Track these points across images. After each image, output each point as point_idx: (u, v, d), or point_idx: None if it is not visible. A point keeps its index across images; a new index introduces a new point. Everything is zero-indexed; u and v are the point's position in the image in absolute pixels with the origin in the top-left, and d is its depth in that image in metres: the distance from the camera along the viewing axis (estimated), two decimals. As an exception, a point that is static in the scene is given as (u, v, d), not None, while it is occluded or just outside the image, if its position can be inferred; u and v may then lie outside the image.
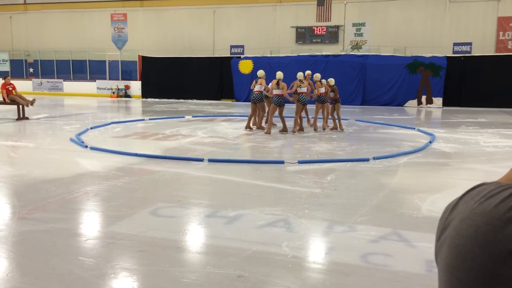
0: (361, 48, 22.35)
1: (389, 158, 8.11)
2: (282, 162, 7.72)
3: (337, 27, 22.62)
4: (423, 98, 19.51)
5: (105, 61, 26.06)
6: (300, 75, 11.31)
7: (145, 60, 23.60)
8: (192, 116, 14.98)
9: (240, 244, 4.15)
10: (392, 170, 7.26)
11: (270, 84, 11.36)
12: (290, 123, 11.62)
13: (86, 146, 9.02)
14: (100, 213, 5.17)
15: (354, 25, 22.47)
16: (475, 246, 0.50)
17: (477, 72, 18.84)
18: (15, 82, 15.44)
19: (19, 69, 27.82)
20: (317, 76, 11.81)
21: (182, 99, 22.54)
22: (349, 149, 9.30)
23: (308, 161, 7.89)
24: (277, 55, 21.85)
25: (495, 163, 7.92)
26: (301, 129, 11.30)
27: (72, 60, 26.68)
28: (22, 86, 25.38)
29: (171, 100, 22.40)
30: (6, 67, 27.76)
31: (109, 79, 25.59)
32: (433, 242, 0.62)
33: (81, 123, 13.11)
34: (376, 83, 19.83)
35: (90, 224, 4.80)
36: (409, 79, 19.51)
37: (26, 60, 27.87)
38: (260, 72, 11.71)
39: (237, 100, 21.64)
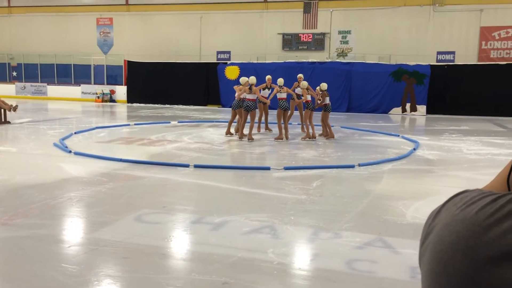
0: (346, 55, 22.56)
1: (374, 165, 8.18)
2: (268, 168, 7.73)
3: (323, 34, 22.81)
4: (408, 105, 19.75)
5: (90, 65, 25.85)
6: (280, 81, 11.35)
7: (130, 65, 23.47)
8: (178, 122, 14.92)
9: (225, 250, 4.13)
10: (377, 177, 7.32)
11: (239, 87, 11.36)
12: (276, 129, 11.64)
13: (70, 151, 8.91)
14: (83, 219, 5.10)
15: (340, 32, 22.68)
16: (456, 252, 0.51)
17: (460, 80, 19.15)
18: (-2, 86, 15.20)
19: (2, 72, 27.42)
20: (304, 84, 11.74)
21: (168, 104, 22.44)
22: (335, 156, 9.35)
23: (294, 167, 7.91)
24: (264, 61, 21.92)
25: (477, 170, 8.04)
26: (280, 137, 11.04)
27: (56, 64, 26.40)
28: (5, 90, 25.04)
29: (157, 105, 22.29)
30: (-11, 71, 27.36)
31: (94, 83, 25.37)
32: (417, 249, 0.62)
33: (65, 127, 12.96)
34: (361, 90, 20.01)
35: (73, 230, 4.73)
36: (393, 86, 19.73)
37: (9, 64, 27.49)
38: (242, 79, 11.77)
39: (224, 106, 21.62)
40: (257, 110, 11.39)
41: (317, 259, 4.07)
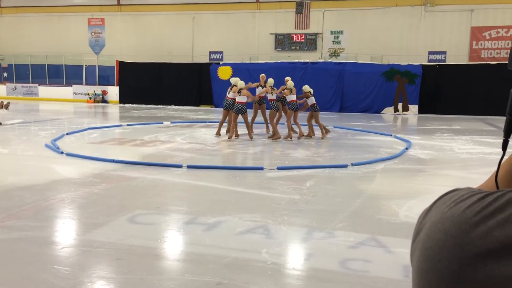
0: (339, 55, 22.63)
1: (367, 165, 8.21)
2: (261, 168, 7.73)
3: (316, 34, 22.86)
4: (400, 105, 19.85)
5: (81, 66, 25.72)
6: (270, 81, 11.39)
7: (123, 65, 23.37)
8: (171, 122, 14.88)
9: (219, 251, 4.12)
10: (369, 176, 7.35)
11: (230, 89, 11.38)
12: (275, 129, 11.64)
13: (62, 152, 8.86)
14: (76, 220, 5.07)
15: (332, 33, 22.75)
16: (443, 249, 0.52)
17: (451, 80, 19.28)
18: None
19: (-8, 73, 27.21)
20: (290, 84, 11.50)
21: (160, 105, 22.38)
22: (328, 156, 9.38)
23: (287, 167, 7.92)
24: (256, 61, 21.93)
25: (469, 169, 8.10)
26: (278, 137, 11.21)
27: (48, 65, 26.23)
28: (-4, 90, 24.86)
29: (149, 106, 22.22)
30: (-21, 71, 27.14)
31: (86, 84, 25.24)
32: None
33: (57, 128, 12.87)
34: (354, 90, 20.09)
35: (66, 232, 4.70)
36: (385, 86, 19.82)
37: (0, 64, 27.27)
38: (238, 81, 11.77)
39: (216, 106, 21.59)
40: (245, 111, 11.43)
41: (311, 258, 4.08)
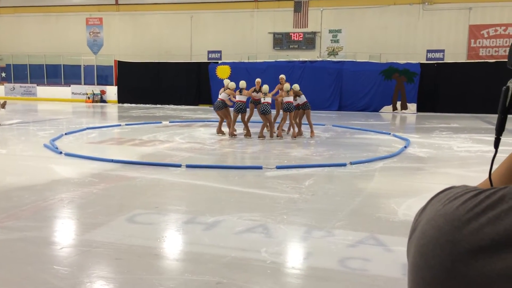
0: (337, 54, 22.63)
1: (366, 163, 8.21)
2: (260, 168, 7.73)
3: (314, 33, 22.86)
4: (398, 103, 19.86)
5: (80, 65, 25.69)
6: (265, 88, 11.41)
7: (121, 65, 23.34)
8: (169, 122, 14.87)
9: (218, 250, 4.12)
10: (368, 175, 7.35)
11: (228, 91, 11.54)
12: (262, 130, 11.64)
13: (61, 152, 8.85)
14: (75, 220, 5.07)
15: (330, 31, 22.75)
16: (436, 245, 0.53)
17: (450, 78, 19.29)
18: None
19: (-10, 73, 27.16)
20: (287, 86, 11.40)
21: (159, 104, 22.36)
22: (327, 154, 9.38)
23: (286, 166, 7.92)
24: (255, 60, 21.92)
25: (467, 168, 8.11)
26: (275, 134, 11.31)
27: (46, 65, 26.19)
28: (-6, 91, 24.82)
29: (147, 105, 22.20)
30: (-23, 72, 27.09)
31: (84, 84, 25.21)
32: None
33: (55, 128, 12.86)
34: (352, 89, 20.09)
35: (65, 232, 4.70)
36: (384, 85, 19.83)
37: (-2, 65, 27.24)
38: (228, 82, 12.02)
39: (215, 106, 21.60)
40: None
41: (310, 257, 4.08)
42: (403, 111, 19.72)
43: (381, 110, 19.94)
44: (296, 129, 11.53)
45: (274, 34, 23.30)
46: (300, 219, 5.07)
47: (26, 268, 3.70)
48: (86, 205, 5.49)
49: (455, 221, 0.53)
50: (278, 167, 7.73)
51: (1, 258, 3.91)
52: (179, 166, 7.77)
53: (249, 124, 11.63)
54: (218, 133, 11.84)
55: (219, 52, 23.91)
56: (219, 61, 22.45)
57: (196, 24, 24.36)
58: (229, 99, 11.53)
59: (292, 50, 23.08)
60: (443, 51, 21.49)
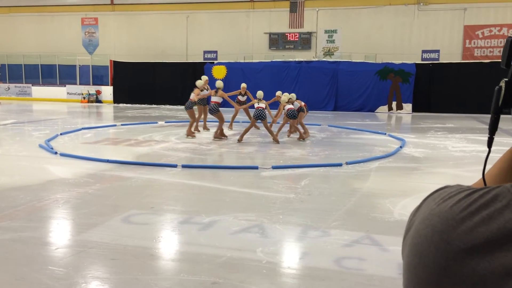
0: (333, 54, 22.66)
1: (361, 163, 8.23)
2: (256, 168, 7.73)
3: (310, 33, 22.88)
4: (394, 104, 19.91)
5: (75, 65, 25.59)
6: (259, 94, 11.14)
7: (116, 65, 23.28)
8: (165, 122, 14.84)
9: (214, 250, 4.12)
10: (364, 175, 7.37)
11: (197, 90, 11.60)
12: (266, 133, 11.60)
13: (56, 153, 8.81)
14: (70, 221, 5.05)
15: (326, 32, 22.77)
16: (430, 244, 0.53)
17: (445, 78, 19.36)
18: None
19: (-15, 73, 27.02)
20: (284, 99, 11.19)
21: (154, 104, 22.31)
22: (322, 154, 9.39)
23: (282, 166, 7.93)
24: (251, 60, 21.92)
25: (462, 167, 8.14)
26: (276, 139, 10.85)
27: (41, 65, 26.06)
28: (-12, 91, 24.68)
29: (143, 105, 22.15)
30: (-28, 72, 26.94)
31: (80, 84, 25.12)
32: None
33: (51, 129, 12.81)
34: (348, 89, 20.13)
35: (60, 233, 4.68)
36: (379, 85, 19.87)
37: (-8, 65, 27.10)
38: (199, 82, 12.01)
39: (211, 106, 21.58)
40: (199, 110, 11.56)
41: (306, 257, 4.09)
42: (399, 111, 19.77)
43: (376, 110, 19.99)
44: (302, 130, 11.28)
45: (270, 34, 23.31)
46: (296, 219, 5.08)
47: (21, 268, 3.68)
48: (81, 205, 5.48)
49: (449, 220, 0.53)
50: (274, 167, 7.74)
51: (-5, 258, 3.89)
52: (175, 166, 7.76)
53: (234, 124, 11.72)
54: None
55: (215, 52, 23.89)
56: (215, 61, 22.43)
57: (192, 24, 24.32)
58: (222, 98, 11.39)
59: (288, 50, 23.09)
60: (438, 51, 21.56)
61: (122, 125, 13.98)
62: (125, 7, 25.24)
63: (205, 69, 21.64)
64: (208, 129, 12.59)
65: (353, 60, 20.82)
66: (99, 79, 25.18)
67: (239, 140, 10.67)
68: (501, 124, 0.75)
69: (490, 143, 0.73)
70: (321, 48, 22.89)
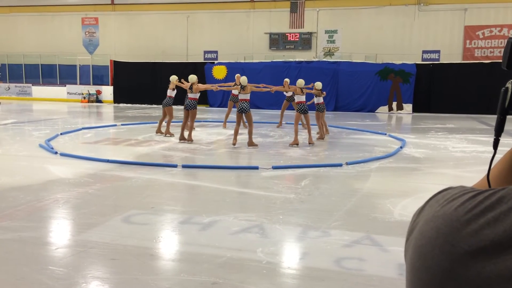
0: (333, 54, 22.66)
1: (362, 163, 8.23)
2: (256, 168, 7.73)
3: (310, 33, 22.87)
4: (394, 104, 19.90)
5: (75, 65, 25.59)
6: (243, 80, 10.30)
7: (117, 64, 23.27)
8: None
9: (214, 250, 4.12)
10: (364, 175, 7.37)
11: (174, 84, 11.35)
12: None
13: (56, 152, 8.81)
14: (70, 221, 5.05)
15: (326, 32, 22.77)
16: (435, 246, 0.53)
17: (445, 79, 19.35)
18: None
19: (-15, 73, 27.02)
20: (301, 81, 10.56)
21: (155, 104, 22.30)
22: (322, 155, 9.39)
23: (282, 166, 7.93)
24: (251, 61, 21.92)
25: (463, 168, 8.14)
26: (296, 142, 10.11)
27: (41, 65, 26.06)
28: (-11, 90, 24.69)
29: (143, 105, 22.15)
30: (-28, 71, 26.94)
31: (80, 84, 25.11)
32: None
33: (51, 128, 12.81)
34: (348, 89, 20.12)
35: (60, 233, 4.68)
36: (380, 85, 19.87)
37: (-7, 64, 27.11)
38: (173, 77, 11.87)
39: (211, 106, 21.58)
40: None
41: (306, 257, 4.09)
42: (399, 111, 19.77)
43: (377, 111, 19.98)
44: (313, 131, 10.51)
45: (270, 34, 23.30)
46: (296, 219, 5.07)
47: (21, 268, 3.68)
48: (82, 205, 5.48)
49: (454, 222, 0.52)
50: (274, 167, 7.74)
51: (-5, 258, 3.89)
52: (175, 166, 7.75)
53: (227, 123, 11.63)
54: (166, 134, 11.54)
55: (215, 52, 23.89)
56: (215, 61, 22.43)
57: (192, 24, 24.32)
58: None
59: (288, 50, 23.08)
60: (438, 51, 21.55)
61: (122, 125, 13.98)
62: (125, 7, 25.24)
63: (205, 69, 21.65)
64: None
65: (354, 61, 20.81)
66: (99, 79, 25.18)
67: (250, 144, 9.93)
68: (506, 125, 0.75)
69: (496, 145, 0.73)
70: (322, 48, 22.88)
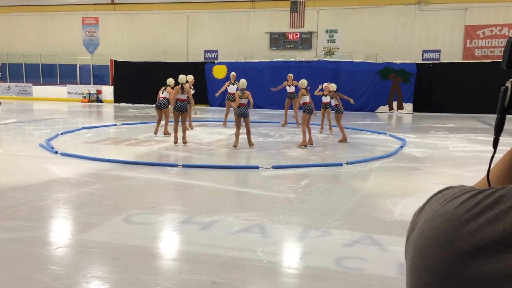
0: (333, 54, 22.65)
1: (362, 163, 8.23)
2: (256, 167, 7.73)
3: (310, 33, 22.86)
4: (394, 103, 19.90)
5: (76, 65, 25.59)
6: (243, 82, 10.14)
7: (117, 64, 23.27)
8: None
9: (215, 250, 4.12)
10: (365, 175, 7.36)
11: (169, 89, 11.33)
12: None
13: (56, 152, 8.82)
14: (71, 220, 5.06)
15: (327, 31, 22.76)
16: (435, 245, 0.53)
17: (445, 78, 19.34)
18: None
19: (-14, 73, 27.02)
20: (304, 82, 10.50)
21: (155, 104, 22.31)
22: (323, 154, 9.39)
23: (283, 166, 7.93)
24: (251, 60, 21.91)
25: (463, 167, 8.14)
26: (305, 143, 9.93)
27: (41, 64, 26.06)
28: (-11, 90, 24.70)
29: (144, 105, 22.15)
30: (-27, 71, 26.95)
31: (80, 83, 25.12)
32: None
33: (51, 128, 12.81)
34: (349, 88, 20.07)
35: (61, 232, 4.69)
36: (380, 85, 19.86)
37: (-7, 64, 27.11)
38: (170, 80, 11.92)
39: (211, 105, 21.58)
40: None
41: (306, 257, 4.09)
42: (399, 111, 19.76)
43: (377, 110, 19.97)
44: (307, 136, 10.01)
45: (271, 34, 23.29)
46: (296, 219, 5.07)
47: (22, 268, 3.68)
48: (82, 205, 5.48)
49: (454, 221, 0.53)
50: (275, 167, 7.74)
51: (-4, 258, 3.90)
52: (175, 166, 7.75)
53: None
54: (165, 134, 11.53)
55: (216, 52, 23.89)
56: (216, 61, 22.43)
57: (193, 24, 24.32)
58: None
59: (289, 50, 23.08)
60: (439, 51, 21.54)
61: (122, 124, 13.98)
62: (125, 6, 25.24)
63: (205, 69, 21.66)
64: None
65: (354, 60, 20.80)
66: (99, 79, 25.18)
67: (250, 144, 9.86)
68: (506, 125, 0.75)
69: (495, 144, 0.73)
70: (322, 48, 22.87)
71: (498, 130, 0.72)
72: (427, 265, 0.53)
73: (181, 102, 10.31)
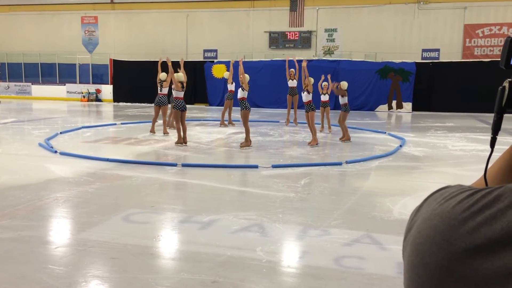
0: (333, 53, 22.65)
1: (361, 162, 8.23)
2: (256, 167, 7.73)
3: (310, 32, 22.86)
4: (394, 103, 19.90)
5: (75, 64, 25.57)
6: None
7: (116, 63, 23.26)
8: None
9: (214, 249, 4.12)
10: (364, 174, 7.37)
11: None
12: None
13: (56, 151, 8.81)
14: (70, 219, 5.06)
15: (326, 30, 22.76)
16: (432, 244, 0.53)
17: (445, 77, 19.35)
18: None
19: (-15, 72, 27.00)
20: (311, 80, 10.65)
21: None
22: (322, 153, 9.39)
23: (282, 165, 7.93)
24: (251, 59, 21.90)
25: (462, 166, 8.14)
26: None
27: (41, 63, 26.04)
28: (-12, 89, 24.67)
29: (143, 104, 22.14)
30: (-28, 70, 26.92)
31: (80, 82, 25.10)
32: None
33: (50, 127, 12.80)
34: (348, 88, 20.01)
35: (60, 231, 4.69)
36: (380, 84, 19.86)
37: (-7, 63, 27.08)
38: (163, 75, 12.03)
39: (211, 105, 21.58)
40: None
41: (306, 256, 4.09)
42: (399, 110, 19.76)
43: (376, 109, 19.98)
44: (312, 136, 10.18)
45: (270, 33, 23.28)
46: (296, 218, 5.08)
47: (21, 267, 3.68)
48: (82, 204, 5.48)
49: (451, 220, 0.53)
50: (274, 166, 7.74)
51: (-5, 257, 3.90)
52: (174, 165, 7.75)
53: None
54: (164, 133, 11.56)
55: (215, 51, 23.88)
56: (215, 60, 22.42)
57: (192, 23, 24.31)
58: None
59: (288, 49, 23.07)
60: (438, 50, 21.55)
61: (122, 123, 13.97)
62: (125, 5, 25.22)
63: (205, 68, 21.65)
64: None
65: (353, 59, 20.80)
66: (99, 78, 25.16)
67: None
68: (503, 124, 0.76)
69: (493, 143, 0.74)
70: (321, 47, 22.87)
71: (496, 129, 0.73)
72: (425, 263, 0.53)
73: (182, 101, 10.36)
